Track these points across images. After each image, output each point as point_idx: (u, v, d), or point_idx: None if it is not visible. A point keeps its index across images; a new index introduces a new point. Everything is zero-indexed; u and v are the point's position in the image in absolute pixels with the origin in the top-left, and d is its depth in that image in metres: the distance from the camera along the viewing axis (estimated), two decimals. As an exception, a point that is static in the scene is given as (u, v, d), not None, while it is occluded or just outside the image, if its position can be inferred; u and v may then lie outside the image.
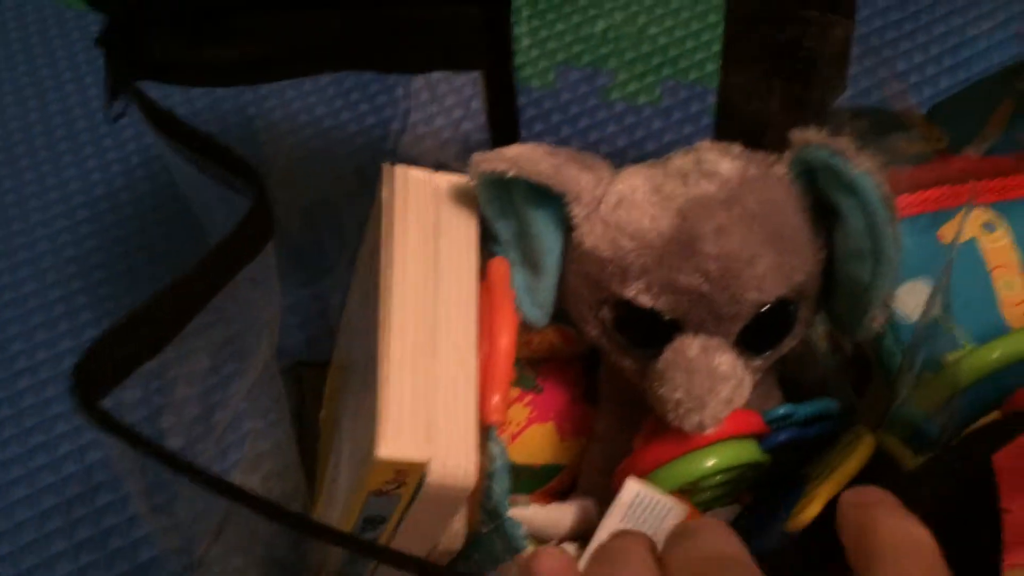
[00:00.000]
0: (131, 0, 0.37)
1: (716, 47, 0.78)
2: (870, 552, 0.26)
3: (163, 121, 0.37)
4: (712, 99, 0.76)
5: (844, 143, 0.38)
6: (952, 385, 0.39)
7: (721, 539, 0.27)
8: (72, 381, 0.28)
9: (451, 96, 0.50)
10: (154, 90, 0.39)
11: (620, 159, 0.75)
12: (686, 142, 0.74)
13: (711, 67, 0.78)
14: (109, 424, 0.27)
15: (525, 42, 0.76)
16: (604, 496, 0.43)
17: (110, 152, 0.78)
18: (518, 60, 0.79)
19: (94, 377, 0.29)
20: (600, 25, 0.81)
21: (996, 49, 0.74)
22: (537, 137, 0.75)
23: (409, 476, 0.36)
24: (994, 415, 0.35)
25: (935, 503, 0.33)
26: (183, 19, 0.38)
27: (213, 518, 0.40)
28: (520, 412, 0.49)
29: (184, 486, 0.35)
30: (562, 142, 0.75)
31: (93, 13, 0.76)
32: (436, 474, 0.36)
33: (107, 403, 0.30)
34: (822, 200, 0.41)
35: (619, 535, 0.30)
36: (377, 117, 0.74)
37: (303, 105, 0.75)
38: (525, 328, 0.46)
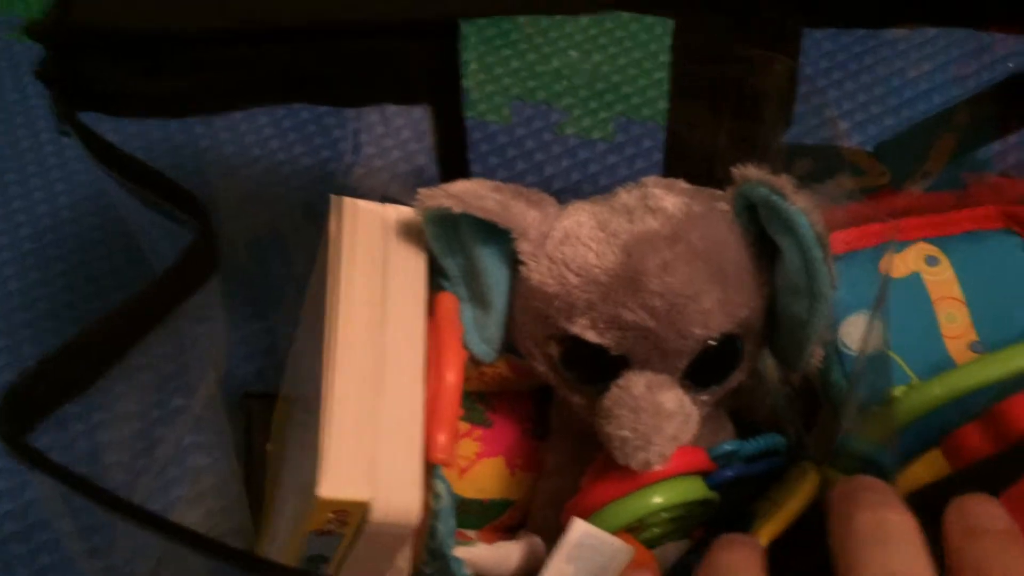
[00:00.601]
0: (71, 32, 0.37)
1: (667, 85, 0.79)
2: (846, 539, 0.26)
3: (105, 153, 0.36)
4: (664, 136, 0.77)
5: (783, 181, 0.38)
6: (896, 420, 0.39)
7: None
8: None
9: (402, 129, 0.50)
10: (107, 121, 0.38)
11: (574, 193, 0.76)
12: (639, 177, 0.75)
13: (663, 104, 0.79)
14: (35, 460, 0.26)
15: (480, 77, 0.76)
16: (554, 531, 0.42)
17: (57, 183, 0.76)
18: (473, 95, 0.80)
19: (20, 411, 0.28)
20: (555, 62, 0.82)
21: (937, 91, 0.76)
22: (491, 172, 0.76)
23: (351, 515, 0.36)
24: (935, 453, 0.35)
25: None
26: (124, 51, 0.38)
27: (149, 559, 0.39)
28: (469, 447, 0.48)
29: (115, 525, 0.34)
30: (517, 176, 0.76)
31: (24, 41, 0.75)
32: (378, 513, 0.36)
33: (46, 440, 0.29)
34: (765, 236, 0.41)
35: (723, 548, 0.29)
36: (329, 152, 0.74)
37: (256, 139, 0.74)
38: (476, 361, 0.46)
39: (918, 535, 0.26)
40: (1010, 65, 0.58)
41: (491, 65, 0.80)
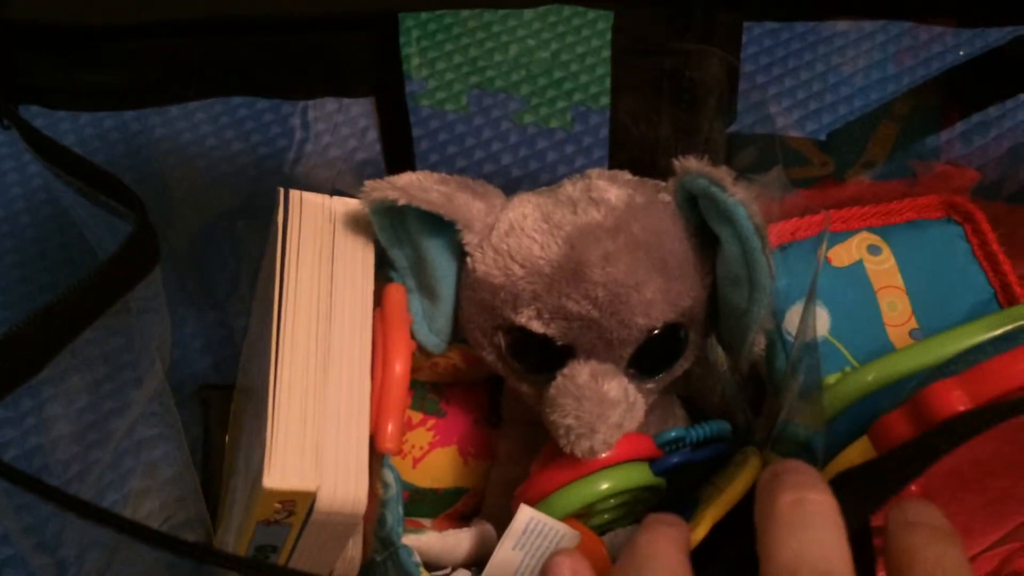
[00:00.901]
0: (5, 26, 0.36)
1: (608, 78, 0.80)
2: (766, 520, 0.27)
3: (43, 147, 0.36)
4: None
5: (722, 173, 0.39)
6: (831, 406, 0.40)
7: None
8: None
9: (349, 121, 0.50)
10: (46, 115, 0.38)
11: (532, 182, 0.77)
12: (596, 165, 0.75)
13: (621, 93, 0.79)
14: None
15: (423, 72, 0.76)
16: (508, 518, 0.43)
17: (10, 174, 0.76)
18: (432, 83, 0.80)
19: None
20: (513, 51, 0.82)
21: (875, 87, 0.77)
22: (449, 160, 0.76)
23: (297, 505, 0.36)
24: (864, 440, 0.36)
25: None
26: (59, 45, 0.37)
27: (102, 551, 0.39)
28: (423, 436, 0.49)
29: (64, 519, 0.34)
30: (475, 165, 0.76)
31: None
32: (325, 502, 0.36)
33: None
34: (706, 226, 0.42)
35: (647, 530, 0.29)
36: (276, 144, 0.73)
37: (195, 136, 0.74)
38: (428, 352, 0.46)
39: (837, 516, 0.27)
40: (961, 53, 0.59)
41: (433, 60, 0.80)
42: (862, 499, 0.29)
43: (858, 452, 0.37)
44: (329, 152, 0.49)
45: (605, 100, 0.79)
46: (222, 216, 0.56)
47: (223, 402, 0.57)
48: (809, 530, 0.26)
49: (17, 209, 0.74)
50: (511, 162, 0.76)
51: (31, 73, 0.38)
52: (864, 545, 0.29)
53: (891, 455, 0.29)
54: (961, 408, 0.34)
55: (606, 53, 0.79)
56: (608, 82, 0.79)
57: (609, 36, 0.43)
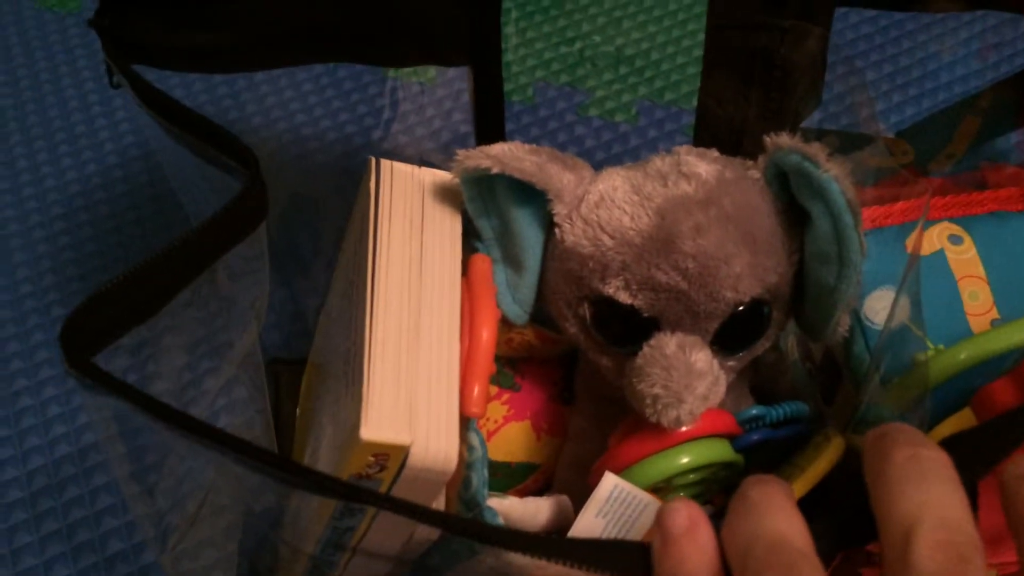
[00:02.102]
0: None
1: (691, 70, 0.80)
2: (882, 476, 0.27)
3: (157, 102, 0.37)
4: (686, 120, 0.78)
5: (815, 148, 0.39)
6: (921, 384, 0.40)
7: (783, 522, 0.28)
8: (62, 338, 0.28)
9: (439, 99, 0.51)
10: (150, 74, 0.39)
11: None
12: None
13: (686, 88, 0.80)
14: (100, 379, 0.27)
15: (515, 42, 0.77)
16: (579, 494, 0.43)
17: (86, 151, 0.78)
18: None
19: (84, 334, 0.29)
20: (578, 45, 0.83)
21: (958, 82, 0.77)
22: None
23: (391, 459, 0.37)
24: (964, 412, 0.36)
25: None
26: (171, 4, 0.38)
27: (191, 505, 0.40)
28: (497, 410, 0.49)
29: (169, 461, 0.35)
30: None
31: (75, 15, 0.76)
32: (417, 457, 0.37)
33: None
34: (794, 204, 0.42)
35: (755, 483, 0.30)
36: (359, 116, 0.75)
37: (282, 108, 0.75)
38: (505, 327, 0.47)
39: (953, 471, 0.27)
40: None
41: (532, 40, 0.80)
42: (969, 463, 0.29)
43: (954, 425, 0.36)
44: (419, 121, 0.50)
45: (671, 94, 0.80)
46: (298, 193, 0.57)
47: (293, 376, 0.58)
48: (927, 482, 0.26)
49: (92, 185, 0.76)
50: (577, 153, 0.76)
51: (141, 31, 0.39)
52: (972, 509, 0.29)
53: (999, 420, 0.29)
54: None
55: (685, 44, 0.80)
56: (677, 75, 0.80)
57: (691, 27, 0.43)
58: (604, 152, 0.76)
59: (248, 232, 0.35)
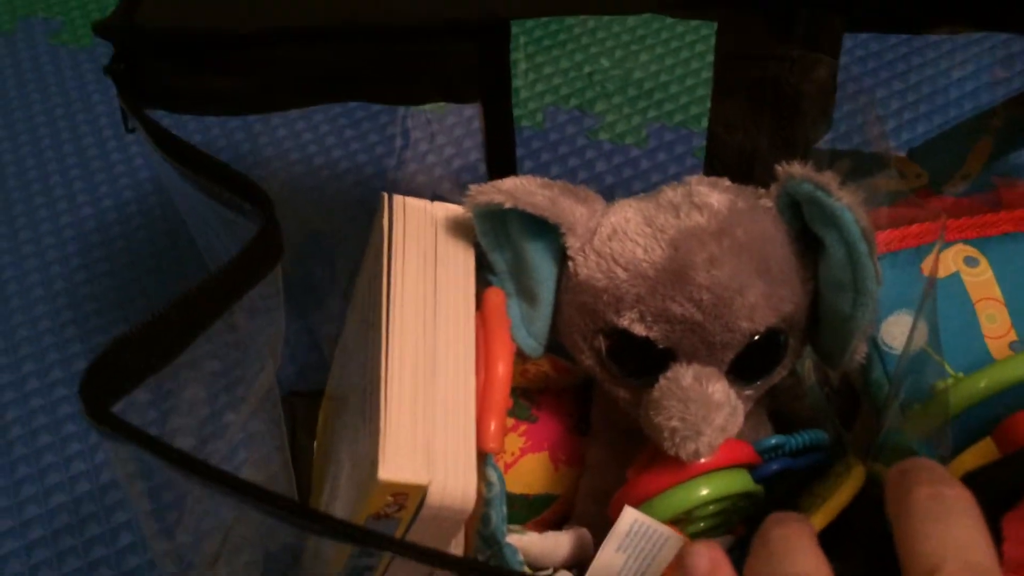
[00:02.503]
0: (136, 31, 0.38)
1: (700, 91, 0.80)
2: (905, 514, 0.27)
3: (172, 147, 0.37)
4: (697, 141, 0.78)
5: (827, 177, 0.39)
6: (942, 413, 0.40)
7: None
8: (82, 388, 0.28)
9: (449, 128, 0.51)
10: (165, 117, 0.39)
11: (608, 197, 0.77)
12: (672, 182, 0.75)
13: (696, 110, 0.80)
14: (120, 428, 0.27)
15: (531, 77, 0.78)
16: (598, 526, 0.43)
17: (102, 186, 0.78)
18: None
19: (104, 384, 0.29)
20: (587, 69, 0.83)
21: (968, 98, 0.77)
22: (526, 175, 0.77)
23: (409, 499, 0.37)
24: (986, 442, 0.36)
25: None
26: (184, 49, 0.39)
27: (211, 544, 0.40)
28: (514, 442, 0.49)
29: (188, 500, 0.35)
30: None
31: (88, 51, 0.77)
32: (435, 497, 0.37)
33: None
34: (807, 232, 0.42)
35: (776, 523, 0.29)
36: (371, 152, 0.75)
37: (296, 142, 0.76)
38: (520, 358, 0.47)
39: (975, 509, 0.27)
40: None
41: (540, 65, 0.81)
42: (992, 498, 0.29)
43: (976, 455, 0.36)
44: (431, 157, 0.50)
45: (680, 116, 0.80)
46: (313, 226, 0.58)
47: (310, 409, 0.58)
48: (950, 521, 0.26)
49: (108, 220, 0.76)
50: (587, 177, 0.77)
51: (156, 77, 0.40)
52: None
53: (1020, 453, 0.29)
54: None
55: (694, 67, 0.80)
56: (687, 97, 0.80)
57: (703, 48, 0.44)
58: (615, 176, 0.76)
59: (264, 274, 0.35)
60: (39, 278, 0.74)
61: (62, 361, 0.69)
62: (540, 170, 0.77)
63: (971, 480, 0.28)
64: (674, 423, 0.40)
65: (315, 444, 0.56)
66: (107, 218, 0.76)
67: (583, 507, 0.49)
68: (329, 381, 0.56)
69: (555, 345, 0.47)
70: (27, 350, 0.70)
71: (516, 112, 0.80)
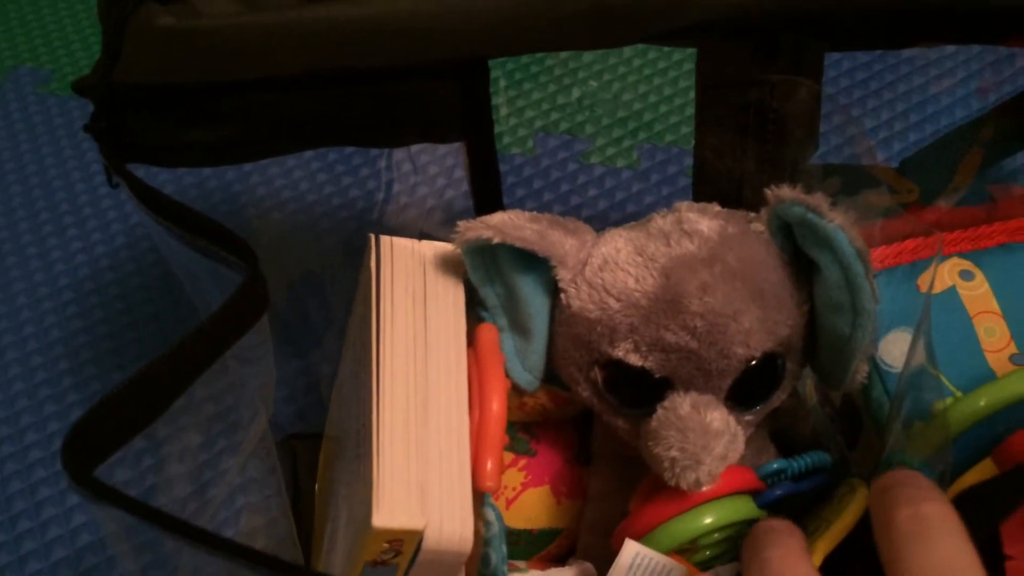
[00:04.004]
0: (115, 88, 0.38)
1: (689, 110, 0.80)
2: (887, 537, 0.27)
3: (153, 201, 0.37)
4: (688, 160, 0.78)
5: (818, 199, 0.39)
6: (942, 434, 0.39)
7: None
8: (63, 453, 0.28)
9: (433, 166, 0.51)
10: (140, 168, 0.39)
11: (602, 221, 0.76)
12: (665, 202, 0.75)
13: (685, 129, 0.80)
14: (102, 493, 0.27)
15: (504, 111, 0.78)
16: (603, 557, 0.43)
17: (94, 233, 0.78)
18: (498, 129, 0.81)
19: (86, 448, 0.28)
20: (576, 93, 0.83)
21: (959, 105, 0.77)
22: (519, 203, 0.77)
23: (405, 544, 0.36)
24: (986, 462, 0.35)
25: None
26: (164, 103, 0.39)
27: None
28: (515, 477, 0.49)
29: (179, 555, 0.35)
30: (544, 207, 0.77)
31: (78, 99, 0.77)
32: (432, 540, 0.36)
33: (121, 475, 0.30)
34: (800, 254, 0.42)
35: (773, 545, 0.29)
36: (361, 189, 0.75)
37: (287, 181, 0.76)
38: (517, 392, 0.46)
39: (956, 524, 0.26)
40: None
41: (529, 91, 0.81)
42: (989, 509, 0.28)
43: (977, 476, 0.36)
44: (416, 195, 0.50)
45: (670, 136, 0.80)
46: (307, 265, 0.57)
47: (311, 451, 0.57)
48: (932, 542, 0.26)
49: (101, 266, 0.76)
50: (580, 202, 0.76)
51: (137, 132, 0.40)
52: (993, 554, 0.29)
53: (1015, 470, 0.29)
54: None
55: (682, 86, 0.80)
56: (676, 117, 0.80)
57: (671, 74, 0.43)
58: (607, 200, 0.76)
59: (250, 325, 0.35)
60: (34, 330, 0.74)
61: (59, 413, 0.69)
62: (533, 197, 0.77)
63: (966, 497, 0.28)
64: (673, 453, 0.40)
65: (316, 487, 0.56)
66: (100, 265, 0.76)
67: (587, 540, 0.48)
68: (328, 422, 0.56)
69: (552, 376, 0.47)
70: (24, 403, 0.70)
71: (506, 140, 0.80)
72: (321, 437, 0.56)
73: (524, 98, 0.83)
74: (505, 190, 0.77)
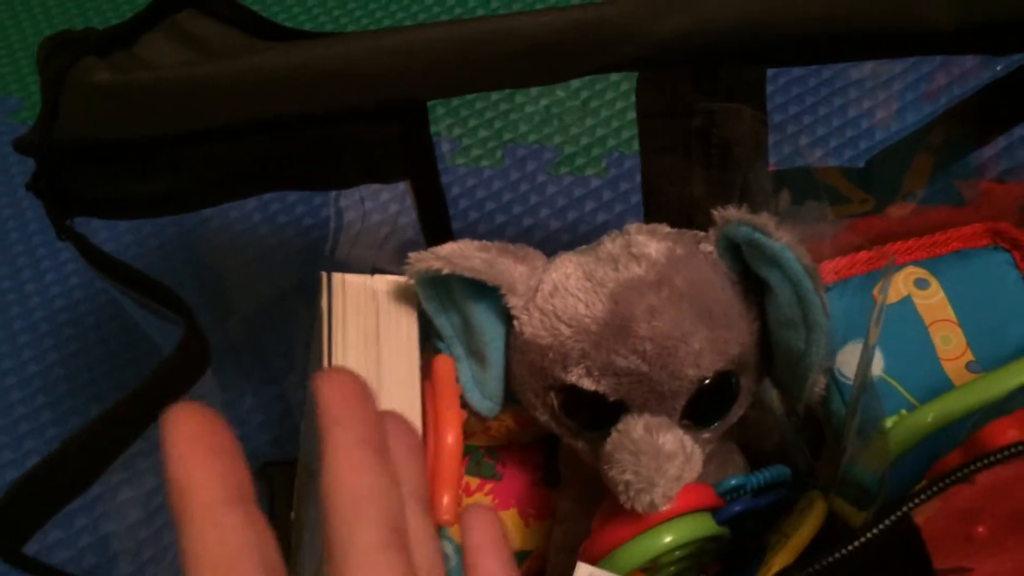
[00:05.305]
0: (56, 145, 0.38)
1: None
2: None
3: (97, 259, 0.37)
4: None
5: (764, 219, 0.39)
6: (891, 449, 0.39)
7: None
8: None
9: (387, 203, 0.51)
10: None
11: (572, 232, 0.76)
12: (635, 211, 0.74)
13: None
14: (33, 570, 0.27)
15: (473, 122, 0.78)
16: (571, 578, 0.43)
17: (68, 264, 0.78)
18: (467, 142, 0.81)
19: (15, 522, 0.28)
20: (543, 103, 0.83)
21: (910, 109, 0.76)
22: (488, 217, 0.77)
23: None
24: (922, 486, 0.36)
25: (877, 566, 0.34)
26: (106, 158, 0.39)
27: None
28: (482, 501, 0.49)
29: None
30: (513, 220, 0.77)
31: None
32: None
33: (53, 536, 0.29)
34: (749, 273, 0.42)
35: None
36: (317, 204, 0.75)
37: (240, 214, 0.76)
38: (481, 417, 0.47)
39: None
40: (999, 68, 0.58)
41: (496, 102, 0.81)
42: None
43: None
44: (366, 230, 0.50)
45: (638, 144, 0.80)
46: (276, 295, 0.58)
47: (286, 478, 0.58)
48: None
49: (76, 298, 0.76)
50: (549, 213, 0.77)
51: (81, 188, 0.40)
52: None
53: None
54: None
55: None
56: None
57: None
58: (577, 210, 0.76)
59: (192, 382, 0.35)
60: (12, 364, 0.74)
61: (39, 449, 0.69)
62: (502, 210, 0.77)
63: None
64: (627, 476, 0.40)
65: (292, 515, 0.56)
66: (75, 296, 0.76)
67: (557, 559, 0.49)
68: (300, 449, 0.56)
69: (515, 397, 0.47)
70: (4, 439, 0.70)
71: (476, 152, 0.80)
72: (296, 464, 0.56)
73: (492, 110, 0.83)
74: (474, 204, 0.78)
